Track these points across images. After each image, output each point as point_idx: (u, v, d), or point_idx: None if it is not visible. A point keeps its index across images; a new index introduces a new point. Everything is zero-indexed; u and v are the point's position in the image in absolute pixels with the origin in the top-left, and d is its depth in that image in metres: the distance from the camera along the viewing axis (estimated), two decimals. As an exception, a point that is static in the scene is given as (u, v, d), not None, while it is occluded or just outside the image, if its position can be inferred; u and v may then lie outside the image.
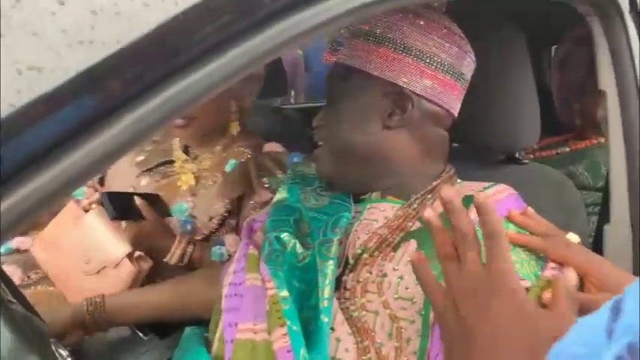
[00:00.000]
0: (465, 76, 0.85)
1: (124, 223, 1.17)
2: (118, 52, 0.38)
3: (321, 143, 0.89)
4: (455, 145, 1.02)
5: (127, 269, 1.11)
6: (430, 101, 0.83)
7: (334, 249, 0.79)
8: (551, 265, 0.75)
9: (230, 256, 1.13)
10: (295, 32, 0.47)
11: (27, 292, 1.12)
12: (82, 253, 1.15)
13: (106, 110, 0.38)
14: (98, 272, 1.13)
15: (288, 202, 0.89)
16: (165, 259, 1.14)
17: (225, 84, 0.46)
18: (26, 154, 0.36)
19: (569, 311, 0.59)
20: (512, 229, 0.78)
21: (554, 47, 1.82)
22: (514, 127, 0.97)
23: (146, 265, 1.13)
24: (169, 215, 1.20)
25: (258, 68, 1.24)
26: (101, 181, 1.36)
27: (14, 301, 0.73)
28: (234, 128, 1.23)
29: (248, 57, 0.45)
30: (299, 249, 0.81)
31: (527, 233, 0.78)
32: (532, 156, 1.33)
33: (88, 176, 0.40)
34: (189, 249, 1.14)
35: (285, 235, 0.82)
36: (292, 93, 2.65)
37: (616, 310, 0.31)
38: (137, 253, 1.13)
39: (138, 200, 1.16)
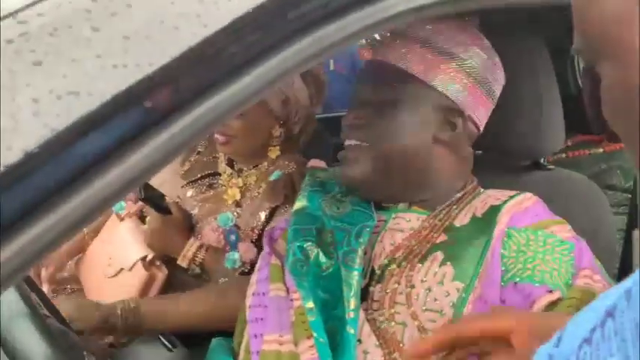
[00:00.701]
0: (496, 94, 0.86)
1: (147, 219, 1.20)
2: (150, 74, 0.39)
3: (352, 142, 0.83)
4: (478, 152, 1.01)
5: (140, 274, 1.13)
6: (471, 119, 0.83)
7: (359, 259, 0.79)
8: (584, 272, 0.73)
9: (244, 263, 1.14)
10: (317, 48, 0.48)
11: (53, 309, 1.15)
12: (107, 257, 1.18)
13: (139, 130, 0.40)
14: (116, 275, 1.16)
15: (309, 210, 0.88)
16: (177, 261, 1.16)
17: (253, 99, 0.47)
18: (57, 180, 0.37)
19: None
20: (541, 234, 0.76)
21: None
22: (538, 134, 0.96)
23: (161, 274, 1.16)
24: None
25: (316, 100, 1.26)
26: None
27: (49, 315, 0.75)
28: (274, 153, 1.23)
29: (274, 73, 0.47)
30: (322, 258, 0.81)
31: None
32: (564, 155, 1.31)
33: (122, 195, 0.42)
34: (201, 252, 1.16)
35: (308, 245, 0.82)
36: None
37: (559, 339, 0.36)
38: (150, 257, 1.15)
39: (169, 198, 1.19)
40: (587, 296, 0.71)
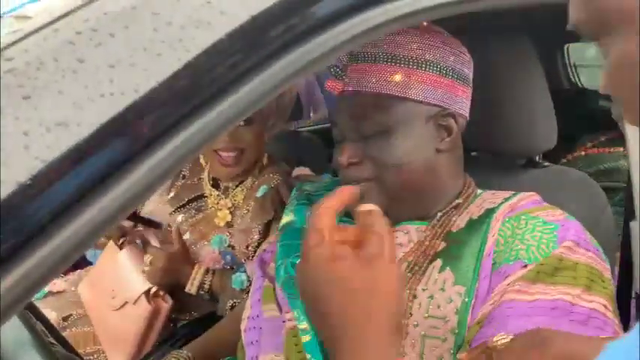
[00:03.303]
0: (468, 77, 0.84)
1: (147, 257, 1.20)
2: (137, 100, 0.40)
3: (354, 185, 0.77)
4: (474, 153, 1.02)
5: (145, 306, 1.14)
6: (463, 117, 0.83)
7: None
8: (566, 243, 0.71)
9: (251, 283, 1.14)
10: (298, 66, 0.49)
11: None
12: (110, 288, 1.19)
13: (129, 156, 0.41)
14: (120, 308, 1.16)
15: (296, 224, 0.85)
16: (185, 289, 1.16)
17: (238, 119, 0.48)
18: (54, 207, 0.38)
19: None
20: (523, 218, 0.75)
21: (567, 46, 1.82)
22: (530, 131, 0.96)
23: (166, 304, 1.16)
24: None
25: (285, 101, 1.28)
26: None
27: (56, 343, 0.75)
28: (265, 159, 1.27)
29: (258, 92, 0.48)
30: None
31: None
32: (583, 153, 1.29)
33: (116, 221, 0.42)
34: (208, 277, 1.16)
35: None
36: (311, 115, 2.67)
37: None
38: (154, 290, 1.16)
39: (169, 230, 1.20)
40: (558, 264, 0.69)
